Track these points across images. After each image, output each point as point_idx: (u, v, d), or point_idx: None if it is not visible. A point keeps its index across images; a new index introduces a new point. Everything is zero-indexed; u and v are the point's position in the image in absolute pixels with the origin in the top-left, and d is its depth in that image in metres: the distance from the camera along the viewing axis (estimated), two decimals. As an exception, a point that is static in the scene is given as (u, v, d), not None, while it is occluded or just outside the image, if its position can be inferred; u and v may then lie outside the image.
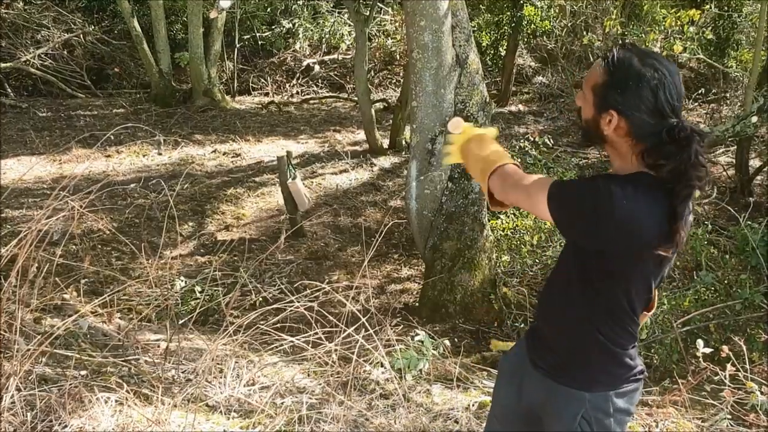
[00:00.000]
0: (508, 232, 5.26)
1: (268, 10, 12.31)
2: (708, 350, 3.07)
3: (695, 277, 4.22)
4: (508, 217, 5.30)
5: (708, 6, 7.84)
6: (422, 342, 3.02)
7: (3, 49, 10.43)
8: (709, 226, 4.79)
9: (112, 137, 7.50)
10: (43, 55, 10.46)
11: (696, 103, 10.23)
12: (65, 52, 10.92)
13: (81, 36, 11.09)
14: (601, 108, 1.55)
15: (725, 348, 3.10)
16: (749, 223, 4.27)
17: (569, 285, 1.63)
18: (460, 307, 4.49)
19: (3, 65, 10.02)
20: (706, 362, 3.04)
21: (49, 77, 10.44)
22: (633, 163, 1.55)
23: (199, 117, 9.71)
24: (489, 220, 4.80)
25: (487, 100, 4.57)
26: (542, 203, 1.54)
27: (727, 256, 4.62)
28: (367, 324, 2.60)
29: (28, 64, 10.23)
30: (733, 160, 7.75)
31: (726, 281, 4.39)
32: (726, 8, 8.41)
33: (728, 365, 2.96)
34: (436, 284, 4.51)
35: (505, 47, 10.62)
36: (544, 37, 11.01)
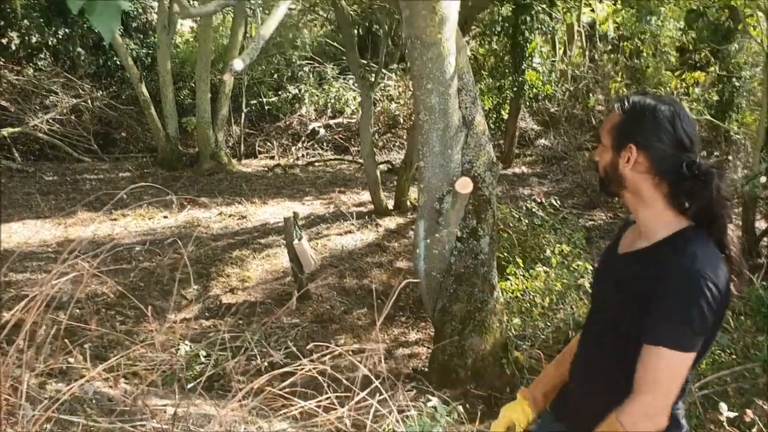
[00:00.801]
0: (518, 294, 5.18)
1: (275, 76, 12.57)
2: (732, 414, 2.96)
3: (711, 340, 4.12)
4: (518, 278, 5.24)
5: (712, 68, 7.98)
6: (435, 408, 2.92)
7: (12, 114, 10.60)
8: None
9: (125, 196, 7.51)
10: (50, 120, 10.61)
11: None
12: (73, 117, 11.08)
13: (89, 101, 11.28)
14: (619, 146, 1.55)
15: (749, 412, 3.00)
16: (764, 283, 4.21)
17: (627, 350, 1.54)
18: (472, 371, 4.38)
19: (11, 130, 10.16)
20: (730, 427, 2.93)
21: (57, 142, 10.56)
22: (658, 210, 1.53)
23: (206, 180, 9.77)
24: (498, 282, 4.74)
25: (494, 160, 4.58)
26: (679, 358, 1.46)
27: (742, 317, 4.53)
28: (381, 388, 2.51)
29: (36, 129, 10.37)
30: (739, 222, 7.73)
31: (742, 343, 4.29)
32: (726, 72, 8.56)
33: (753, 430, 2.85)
34: (446, 348, 4.41)
35: (507, 110, 10.77)
36: (546, 101, 11.18)
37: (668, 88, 6.07)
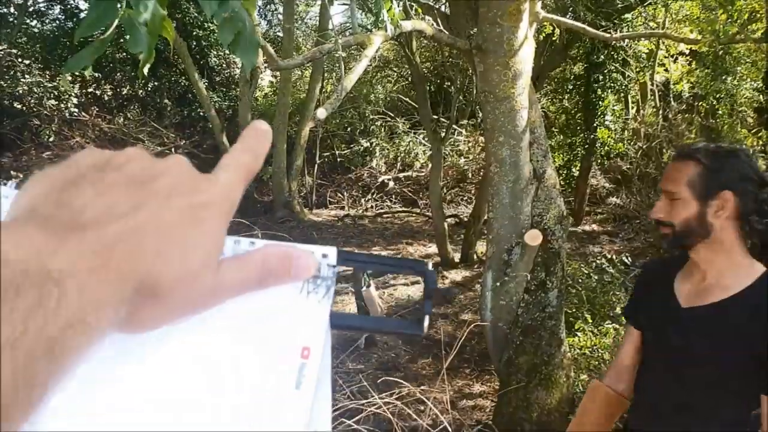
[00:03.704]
0: (587, 351, 5.10)
1: (348, 129, 12.96)
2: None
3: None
4: (586, 334, 5.16)
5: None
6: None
7: (102, 161, 11.26)
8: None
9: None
10: (137, 167, 11.22)
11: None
12: (158, 165, 11.69)
13: (173, 149, 11.91)
14: (707, 196, 1.53)
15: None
16: None
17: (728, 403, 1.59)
18: (537, 425, 4.31)
19: (101, 175, 10.77)
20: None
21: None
22: (737, 256, 1.54)
23: (278, 227, 10.07)
24: (567, 337, 4.69)
25: (564, 213, 4.59)
26: None
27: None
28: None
29: (123, 175, 10.97)
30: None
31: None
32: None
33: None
34: (512, 400, 4.36)
35: (578, 167, 10.73)
36: (619, 159, 11.09)
37: (744, 146, 5.99)
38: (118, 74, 12.36)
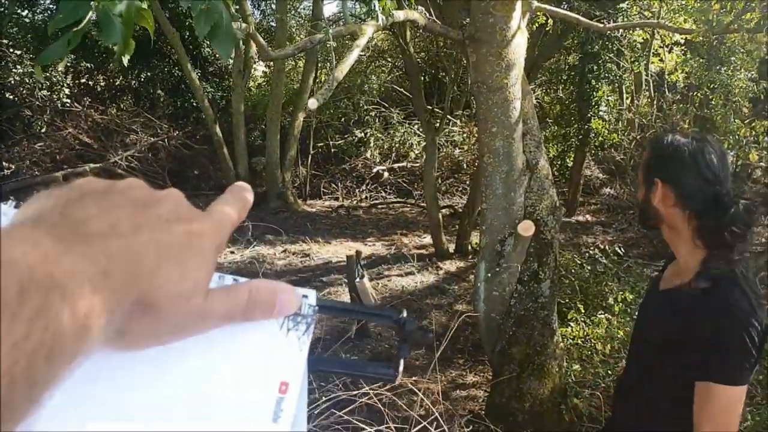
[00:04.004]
0: (579, 341, 5.11)
1: (342, 120, 12.93)
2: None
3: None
4: (579, 324, 5.18)
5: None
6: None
7: (95, 150, 11.23)
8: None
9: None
10: (129, 157, 11.20)
11: (773, 218, 9.95)
12: (150, 155, 11.67)
13: (165, 140, 11.87)
14: (648, 182, 1.62)
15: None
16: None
17: (674, 386, 1.61)
18: (530, 416, 4.32)
19: (93, 166, 10.75)
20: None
21: (134, 177, 11.09)
22: (692, 245, 1.58)
23: (272, 218, 10.05)
24: (559, 327, 4.70)
25: (557, 204, 4.59)
26: (737, 393, 1.48)
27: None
28: (441, 420, 2.54)
29: (116, 165, 10.95)
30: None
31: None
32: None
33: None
34: (504, 390, 4.38)
35: (572, 158, 10.73)
36: (613, 150, 11.09)
37: (737, 137, 5.97)
38: (111, 64, 12.28)
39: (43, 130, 11.33)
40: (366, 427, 2.82)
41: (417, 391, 2.76)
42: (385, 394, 2.64)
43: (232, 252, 8.32)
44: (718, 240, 1.53)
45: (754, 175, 11.44)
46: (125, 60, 1.37)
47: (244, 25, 2.71)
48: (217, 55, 12.92)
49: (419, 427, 2.78)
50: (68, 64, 12.21)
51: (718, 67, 7.83)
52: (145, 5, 1.22)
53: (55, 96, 11.48)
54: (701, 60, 7.88)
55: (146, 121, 11.87)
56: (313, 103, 2.57)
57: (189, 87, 11.05)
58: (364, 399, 2.66)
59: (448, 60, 9.91)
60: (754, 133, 5.41)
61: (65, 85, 11.78)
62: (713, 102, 7.83)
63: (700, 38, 4.83)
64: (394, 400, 3.21)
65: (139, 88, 12.40)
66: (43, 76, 10.85)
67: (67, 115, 11.64)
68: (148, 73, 12.11)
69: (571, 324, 5.17)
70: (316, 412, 2.92)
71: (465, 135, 12.27)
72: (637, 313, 1.92)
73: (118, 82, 12.84)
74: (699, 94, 8.73)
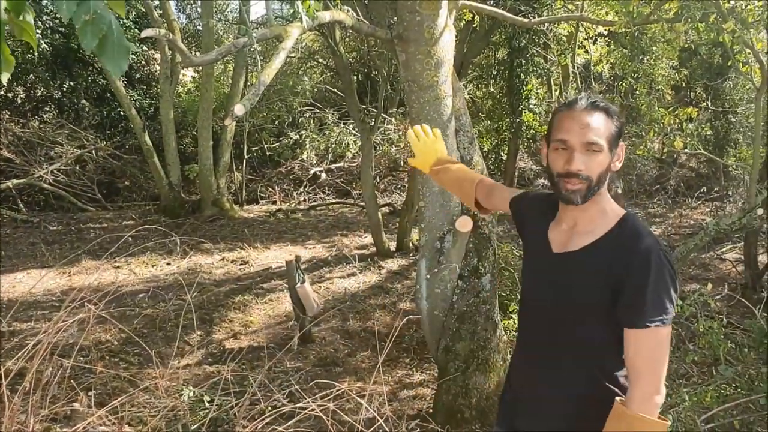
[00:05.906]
0: (521, 332, 5.16)
1: (276, 122, 12.77)
2: (739, 448, 2.94)
3: (714, 373, 4.10)
4: (520, 316, 5.23)
5: (704, 104, 8.10)
6: (440, 447, 2.90)
7: (17, 166, 10.73)
8: (724, 320, 4.71)
9: (130, 239, 7.55)
10: (55, 171, 10.75)
11: (699, 201, 10.35)
12: (77, 168, 11.24)
13: (93, 152, 11.45)
14: (616, 147, 1.70)
15: (756, 445, 2.97)
16: (765, 314, 4.20)
17: (592, 344, 1.73)
18: (477, 411, 4.35)
19: (16, 182, 10.28)
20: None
21: (61, 192, 10.67)
22: (607, 199, 1.77)
23: (208, 226, 9.84)
24: (501, 320, 4.74)
25: (494, 199, 4.62)
26: (666, 332, 1.53)
27: (746, 350, 4.50)
28: (385, 427, 2.51)
29: (41, 180, 10.49)
30: (742, 257, 7.72)
31: (747, 376, 4.26)
32: (721, 108, 8.67)
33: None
34: (451, 388, 4.38)
35: (506, 152, 10.88)
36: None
37: (662, 125, 6.16)
38: (31, 75, 11.76)
39: (-40, 147, 10.76)
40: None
41: (359, 399, 2.72)
42: (330, 405, 2.59)
43: (168, 264, 8.09)
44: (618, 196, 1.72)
45: (679, 159, 11.87)
46: (4, 78, 1.27)
47: (163, 31, 2.61)
48: (143, 62, 12.56)
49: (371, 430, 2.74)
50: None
51: (640, 57, 8.06)
52: (30, 18, 1.13)
53: (-30, 110, 10.92)
54: (624, 51, 8.10)
55: (71, 132, 11.41)
56: (239, 109, 2.49)
57: (115, 95, 10.69)
58: (307, 411, 2.60)
59: (379, 59, 9.90)
60: (677, 120, 5.59)
61: (-20, 98, 11.22)
62: (638, 91, 8.06)
63: (623, 29, 4.95)
64: (339, 407, 3.16)
65: (62, 98, 11.90)
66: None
67: (-15, 130, 11.09)
68: (71, 83, 11.65)
69: (513, 316, 5.22)
70: (260, 426, 2.84)
71: (401, 133, 12.30)
72: (527, 287, 1.88)
73: (39, 93, 12.30)
74: (624, 84, 8.98)
